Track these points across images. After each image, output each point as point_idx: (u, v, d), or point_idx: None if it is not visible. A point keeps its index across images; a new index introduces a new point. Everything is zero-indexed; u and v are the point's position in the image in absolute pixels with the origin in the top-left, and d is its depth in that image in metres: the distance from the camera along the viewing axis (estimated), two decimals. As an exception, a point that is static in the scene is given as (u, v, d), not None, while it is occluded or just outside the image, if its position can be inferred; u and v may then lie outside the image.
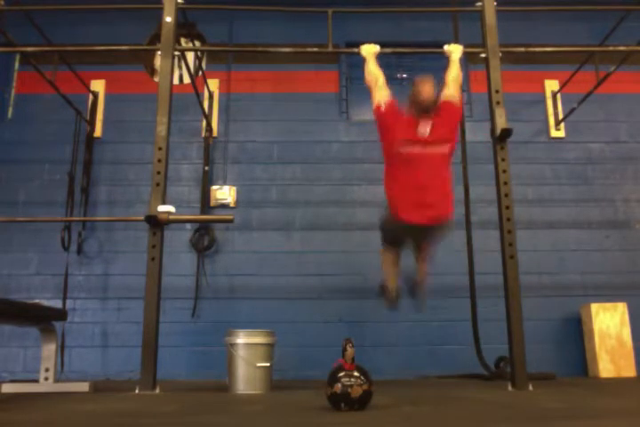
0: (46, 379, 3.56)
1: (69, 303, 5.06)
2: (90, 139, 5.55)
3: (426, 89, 3.31)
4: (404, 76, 6.09)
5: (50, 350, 3.61)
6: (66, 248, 5.16)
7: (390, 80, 5.97)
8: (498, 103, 3.69)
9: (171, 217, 3.46)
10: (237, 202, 5.46)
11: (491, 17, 3.91)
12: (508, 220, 3.50)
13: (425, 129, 3.25)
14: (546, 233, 5.43)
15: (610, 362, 4.75)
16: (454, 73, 3.58)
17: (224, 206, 5.43)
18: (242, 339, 3.54)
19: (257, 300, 5.17)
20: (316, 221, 5.43)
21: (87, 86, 5.52)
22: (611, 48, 4.64)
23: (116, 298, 5.21)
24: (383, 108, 3.37)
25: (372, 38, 5.60)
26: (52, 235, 5.17)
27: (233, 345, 3.54)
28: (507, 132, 3.58)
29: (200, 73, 5.50)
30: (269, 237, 5.37)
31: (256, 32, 5.79)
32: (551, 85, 5.83)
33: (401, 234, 3.53)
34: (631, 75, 5.69)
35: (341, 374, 2.21)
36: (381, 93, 3.41)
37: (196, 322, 5.14)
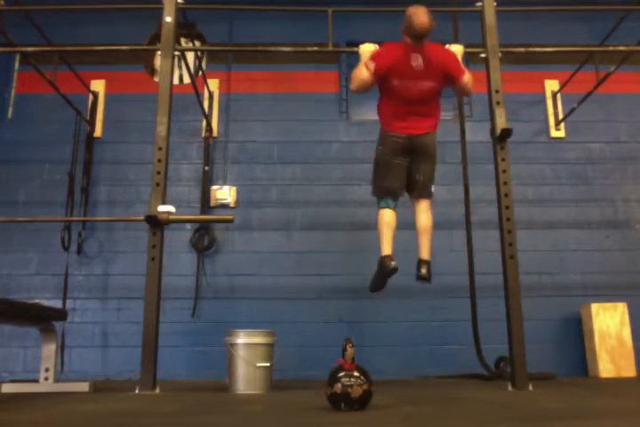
0: (46, 379, 3.56)
1: (69, 303, 5.06)
2: (90, 139, 5.55)
3: (420, 16, 3.40)
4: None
5: (50, 350, 3.61)
6: (66, 248, 5.16)
7: (390, 80, 6.03)
8: (498, 103, 3.69)
9: (171, 217, 3.46)
10: (237, 202, 5.46)
11: (491, 17, 3.91)
12: (508, 220, 3.50)
13: (418, 61, 3.41)
14: (546, 233, 5.43)
15: (610, 362, 4.75)
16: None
17: (224, 206, 5.43)
18: (242, 339, 3.54)
19: (257, 300, 5.17)
20: (316, 221, 5.43)
21: (87, 86, 5.52)
22: (611, 48, 4.64)
23: (116, 298, 5.21)
24: (376, 71, 3.45)
25: (373, 38, 5.63)
26: (52, 235, 5.17)
27: (233, 345, 3.54)
28: (507, 132, 3.58)
29: (200, 73, 5.50)
30: (269, 237, 5.38)
31: (256, 32, 5.79)
32: (551, 85, 5.83)
33: (394, 160, 3.58)
34: (631, 75, 5.69)
35: (341, 374, 2.21)
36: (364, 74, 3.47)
37: (195, 322, 5.14)
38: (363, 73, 3.44)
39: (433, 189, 3.66)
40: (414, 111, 3.54)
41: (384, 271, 3.56)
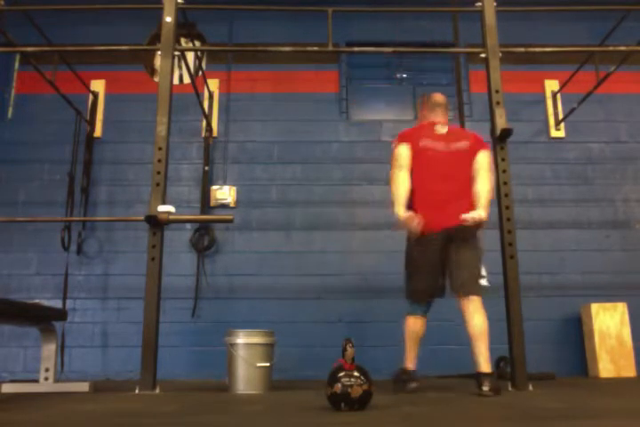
0: (46, 379, 3.56)
1: (69, 303, 5.06)
2: (90, 139, 5.55)
3: (435, 94, 3.54)
4: (404, 76, 6.09)
5: (50, 350, 3.61)
6: (66, 248, 5.16)
7: (390, 80, 6.05)
8: (498, 103, 3.69)
9: (171, 217, 3.46)
10: (237, 202, 5.46)
11: (491, 17, 3.90)
12: (508, 220, 3.50)
13: (443, 129, 3.39)
14: (546, 233, 5.43)
15: (610, 362, 4.75)
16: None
17: (224, 206, 5.43)
18: (242, 339, 3.54)
19: (257, 300, 5.17)
20: (316, 221, 5.43)
21: (87, 86, 5.52)
22: (611, 48, 4.64)
23: (116, 298, 5.21)
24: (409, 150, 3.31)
25: (373, 38, 5.64)
26: (52, 235, 5.17)
27: (233, 345, 3.54)
28: (507, 132, 3.58)
29: (200, 73, 5.50)
30: (269, 237, 5.37)
31: (256, 32, 5.79)
32: (551, 85, 5.83)
33: (429, 258, 3.14)
34: (631, 75, 5.69)
35: (341, 374, 2.21)
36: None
37: (196, 322, 5.14)
38: None
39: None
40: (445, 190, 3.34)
41: (397, 387, 3.15)
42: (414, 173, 3.23)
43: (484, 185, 3.21)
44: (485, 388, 2.86)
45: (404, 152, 3.26)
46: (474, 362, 3.06)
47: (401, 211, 3.12)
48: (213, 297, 5.21)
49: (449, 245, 3.15)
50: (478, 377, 2.95)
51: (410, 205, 3.15)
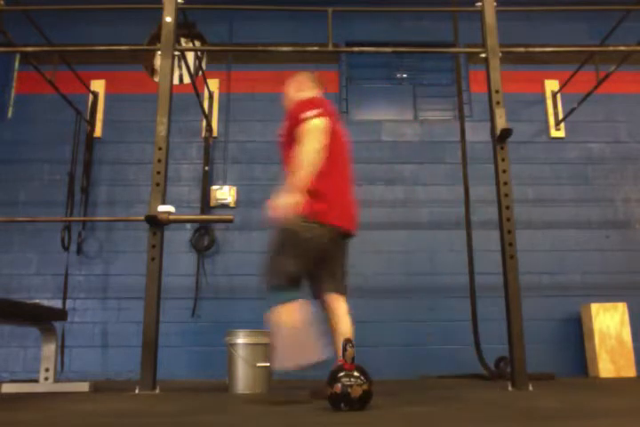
0: (46, 379, 3.56)
1: (69, 303, 5.07)
2: (90, 139, 5.56)
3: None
4: (404, 76, 6.09)
5: (50, 350, 3.61)
6: (66, 248, 5.16)
7: (390, 80, 6.05)
8: (498, 103, 3.69)
9: (171, 217, 3.45)
10: (237, 202, 5.46)
11: (491, 17, 3.90)
12: (508, 220, 3.50)
13: None
14: (546, 233, 5.43)
15: (610, 362, 4.75)
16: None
17: (224, 206, 5.43)
18: (242, 339, 3.54)
19: (257, 300, 5.14)
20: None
21: (87, 86, 5.52)
22: (611, 48, 4.64)
23: (116, 298, 5.21)
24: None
25: (373, 38, 5.65)
26: (52, 235, 5.17)
27: (233, 345, 3.54)
28: (507, 132, 3.58)
29: (200, 73, 5.50)
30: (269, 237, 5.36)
31: (256, 32, 5.79)
32: (551, 85, 5.83)
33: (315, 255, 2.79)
34: (631, 75, 5.69)
35: (341, 374, 2.21)
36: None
37: (196, 322, 5.14)
38: None
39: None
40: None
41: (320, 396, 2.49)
42: (332, 157, 2.80)
43: None
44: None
45: (328, 125, 2.75)
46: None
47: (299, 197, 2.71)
48: (213, 297, 5.21)
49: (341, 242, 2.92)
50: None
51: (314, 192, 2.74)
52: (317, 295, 3.01)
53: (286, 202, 2.76)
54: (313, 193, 2.74)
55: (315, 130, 2.71)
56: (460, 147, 4.94)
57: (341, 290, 2.98)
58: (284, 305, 2.72)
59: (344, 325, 2.88)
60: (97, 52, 5.48)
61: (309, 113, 2.74)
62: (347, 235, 2.96)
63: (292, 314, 2.68)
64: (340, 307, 2.92)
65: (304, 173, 2.72)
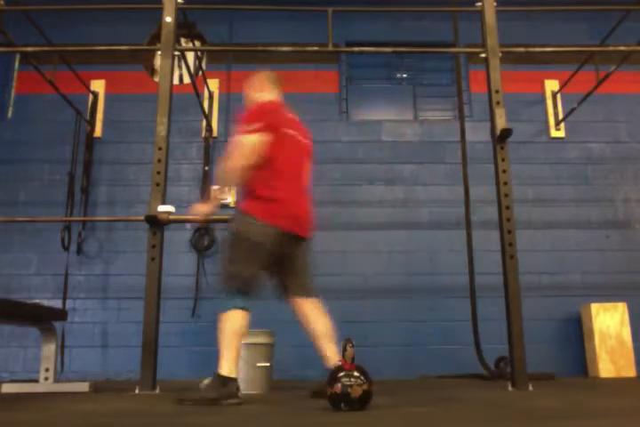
0: (46, 379, 3.56)
1: (69, 303, 5.07)
2: (90, 139, 5.56)
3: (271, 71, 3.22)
4: (404, 76, 6.09)
5: (50, 350, 3.61)
6: (66, 248, 5.16)
7: (390, 80, 6.05)
8: (498, 103, 3.69)
9: (171, 217, 3.45)
10: (237, 202, 5.46)
11: (491, 17, 3.90)
12: (508, 220, 3.50)
13: (290, 114, 3.12)
14: (546, 233, 5.43)
15: (610, 362, 4.75)
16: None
17: (224, 206, 5.42)
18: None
19: (257, 300, 5.15)
20: (315, 221, 5.42)
21: (87, 86, 5.52)
22: (611, 48, 4.64)
23: (116, 298, 5.21)
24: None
25: (373, 38, 5.65)
26: (52, 235, 5.18)
27: (233, 345, 3.53)
28: (507, 132, 3.58)
29: (200, 73, 5.50)
30: (269, 237, 5.37)
31: (256, 32, 5.79)
32: (551, 85, 5.83)
33: (269, 255, 2.77)
34: (631, 75, 5.69)
35: (341, 374, 2.20)
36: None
37: (196, 322, 5.14)
38: None
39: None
40: None
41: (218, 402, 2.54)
42: (275, 159, 2.79)
43: None
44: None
45: (260, 141, 2.74)
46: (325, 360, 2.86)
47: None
48: (213, 297, 5.19)
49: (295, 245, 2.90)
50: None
51: (259, 195, 2.77)
52: (286, 298, 3.05)
53: (200, 210, 2.93)
54: (259, 197, 2.78)
55: (241, 147, 2.73)
56: (460, 147, 4.94)
57: (308, 293, 2.99)
58: (230, 312, 2.69)
59: (319, 325, 2.94)
60: (97, 52, 5.48)
61: (244, 127, 2.77)
62: (299, 237, 2.90)
63: (236, 322, 2.67)
64: (309, 309, 2.97)
65: (221, 184, 2.95)
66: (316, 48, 4.29)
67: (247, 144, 2.73)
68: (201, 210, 2.94)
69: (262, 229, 2.73)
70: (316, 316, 2.97)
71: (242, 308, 2.71)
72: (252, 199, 2.80)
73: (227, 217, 4.14)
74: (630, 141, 5.75)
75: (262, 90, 3.07)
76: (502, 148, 3.64)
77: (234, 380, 2.61)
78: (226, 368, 2.61)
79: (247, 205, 2.82)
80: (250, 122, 2.78)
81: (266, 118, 2.80)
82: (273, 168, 2.80)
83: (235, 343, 2.64)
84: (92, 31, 5.64)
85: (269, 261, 2.81)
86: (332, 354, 2.86)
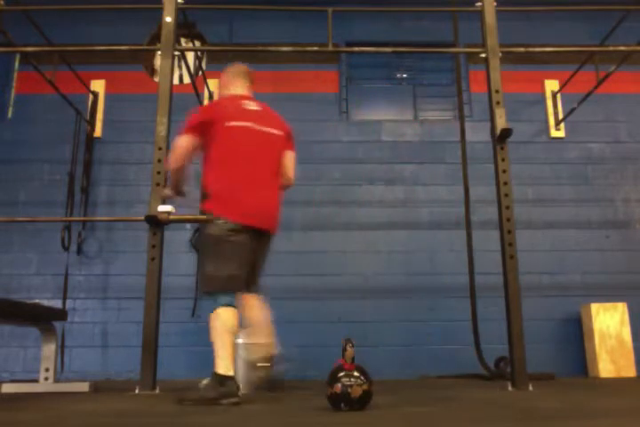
0: (46, 379, 3.56)
1: (69, 303, 5.07)
2: (90, 139, 5.56)
3: (238, 64, 3.27)
4: (404, 76, 6.09)
5: (50, 350, 3.61)
6: (66, 248, 5.16)
7: (390, 80, 6.05)
8: (498, 103, 3.69)
9: (171, 217, 3.45)
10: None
11: (491, 17, 3.90)
12: (508, 220, 3.50)
13: (253, 105, 3.13)
14: (546, 233, 5.43)
15: (610, 362, 4.75)
16: None
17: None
18: (242, 339, 3.54)
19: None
20: (316, 221, 5.43)
21: (87, 86, 5.52)
22: (611, 48, 4.64)
23: (116, 298, 5.21)
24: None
25: (373, 38, 5.65)
26: (52, 235, 5.17)
27: (233, 345, 3.53)
28: (507, 132, 3.58)
29: (200, 73, 5.49)
30: (269, 237, 5.36)
31: (256, 32, 5.79)
32: (551, 85, 5.83)
33: (242, 251, 2.78)
34: (631, 75, 5.69)
35: (341, 374, 2.20)
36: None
37: (196, 322, 5.14)
38: None
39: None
40: None
41: (231, 397, 2.56)
42: (221, 154, 2.88)
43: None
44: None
45: (190, 141, 2.87)
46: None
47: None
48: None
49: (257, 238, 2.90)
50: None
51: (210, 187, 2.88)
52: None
53: (162, 193, 3.15)
54: (213, 194, 2.86)
55: (175, 146, 2.89)
56: (460, 147, 4.94)
57: (254, 288, 3.03)
58: (218, 310, 2.70)
59: (260, 322, 2.97)
60: (97, 52, 5.47)
61: (182, 128, 2.88)
62: (261, 231, 2.89)
63: (226, 320, 2.68)
64: (251, 305, 3.00)
65: (171, 183, 3.12)
66: (315, 48, 4.29)
67: (178, 145, 2.87)
68: (163, 193, 3.14)
69: (225, 226, 2.76)
70: (255, 312, 3.00)
71: (229, 305, 2.70)
72: (209, 197, 2.86)
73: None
74: (630, 141, 5.75)
75: (228, 85, 3.11)
76: (502, 148, 3.65)
77: (231, 378, 2.60)
78: (222, 367, 2.61)
79: (206, 204, 2.88)
80: (187, 122, 2.88)
81: (205, 116, 2.88)
82: (221, 164, 2.86)
83: (227, 341, 2.64)
84: (92, 31, 5.64)
85: (243, 256, 2.80)
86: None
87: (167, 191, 3.14)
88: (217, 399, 2.55)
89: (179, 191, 3.11)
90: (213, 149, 2.86)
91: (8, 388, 3.52)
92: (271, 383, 2.68)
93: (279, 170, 3.03)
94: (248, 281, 2.91)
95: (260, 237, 2.89)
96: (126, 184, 5.47)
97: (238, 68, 3.17)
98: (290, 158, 3.14)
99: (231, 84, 3.10)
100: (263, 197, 2.88)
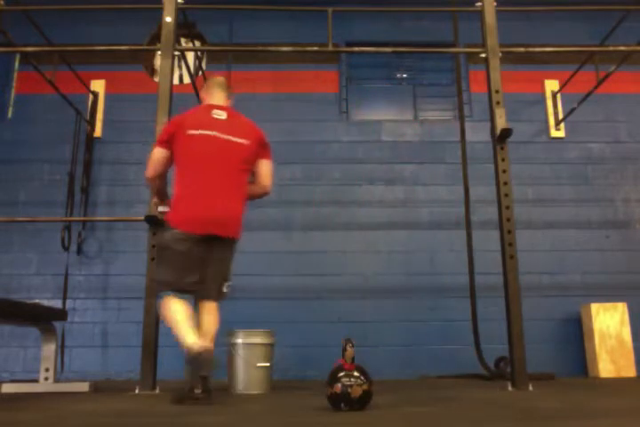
0: (46, 379, 3.56)
1: (69, 303, 5.07)
2: (90, 139, 5.56)
3: (216, 76, 3.40)
4: (404, 76, 6.09)
5: (50, 350, 3.61)
6: (66, 248, 5.16)
7: (390, 80, 6.05)
8: (498, 103, 3.69)
9: (170, 217, 3.45)
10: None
11: (491, 17, 3.90)
12: (508, 220, 3.50)
13: (221, 114, 3.17)
14: (546, 233, 5.43)
15: (610, 362, 4.75)
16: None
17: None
18: (242, 339, 3.54)
19: (257, 300, 5.16)
20: (316, 221, 5.43)
21: (87, 86, 5.52)
22: (611, 48, 4.64)
23: (116, 298, 5.21)
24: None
25: (372, 38, 5.65)
26: (52, 235, 5.17)
27: (233, 345, 3.54)
28: (507, 132, 3.58)
29: (200, 73, 5.49)
30: (269, 237, 5.37)
31: (256, 32, 5.79)
32: (551, 85, 5.83)
33: (183, 258, 2.84)
34: (631, 75, 5.69)
35: (341, 374, 2.20)
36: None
37: (196, 322, 5.13)
38: None
39: None
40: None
41: (203, 368, 2.63)
42: (181, 162, 2.93)
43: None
44: (198, 391, 2.66)
45: (159, 153, 2.94)
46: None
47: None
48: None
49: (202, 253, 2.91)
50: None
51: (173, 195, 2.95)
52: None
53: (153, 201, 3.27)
54: (173, 203, 2.95)
55: (149, 159, 2.98)
56: (460, 147, 4.94)
57: (206, 295, 3.00)
58: (164, 300, 2.84)
59: (204, 328, 2.94)
60: (97, 52, 5.47)
61: (157, 138, 3.06)
62: (216, 237, 2.88)
63: (172, 305, 2.81)
64: (202, 311, 2.99)
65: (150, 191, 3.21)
66: (315, 48, 4.29)
67: (151, 158, 2.97)
68: (153, 200, 3.25)
69: (175, 235, 2.84)
70: (203, 317, 2.99)
71: (173, 296, 2.83)
72: (172, 206, 2.97)
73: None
74: (630, 141, 5.75)
75: (205, 97, 3.20)
76: (502, 148, 3.65)
77: (201, 347, 2.62)
78: (188, 341, 2.65)
79: (168, 213, 2.99)
80: (158, 136, 3.06)
81: (171, 129, 2.98)
82: (180, 172, 2.94)
83: (180, 320, 2.75)
84: (92, 31, 5.64)
85: (184, 263, 2.85)
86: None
87: (154, 199, 3.25)
88: (207, 377, 2.59)
89: (162, 199, 3.20)
90: (177, 158, 2.95)
91: (8, 388, 3.52)
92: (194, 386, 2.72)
93: (243, 178, 3.04)
94: (201, 286, 2.95)
95: (210, 242, 2.89)
96: (126, 184, 5.47)
97: (215, 79, 3.28)
98: (264, 167, 3.16)
99: (207, 95, 3.18)
100: (213, 205, 2.88)
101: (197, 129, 2.94)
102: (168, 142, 2.94)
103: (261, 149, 3.15)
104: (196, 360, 2.60)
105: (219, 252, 2.96)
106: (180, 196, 2.90)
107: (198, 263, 2.89)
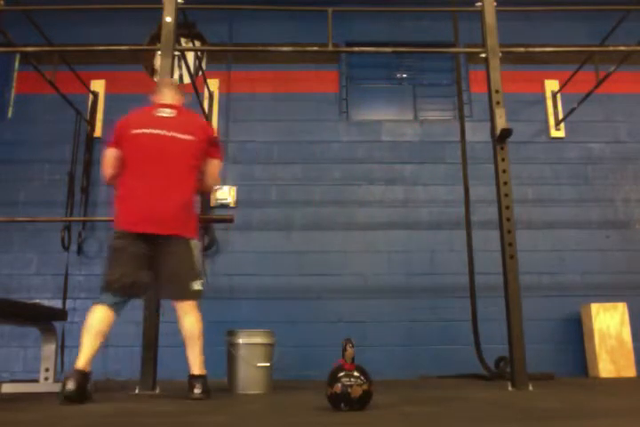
0: (46, 379, 3.56)
1: (69, 303, 5.06)
2: (90, 139, 5.56)
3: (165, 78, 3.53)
4: (404, 76, 6.10)
5: (50, 350, 3.61)
6: (66, 248, 5.16)
7: (390, 80, 6.05)
8: (498, 103, 3.69)
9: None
10: (237, 202, 5.46)
11: (491, 17, 3.90)
12: (508, 220, 3.50)
13: (167, 113, 3.18)
14: (546, 233, 5.43)
15: (610, 362, 4.75)
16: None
17: (224, 206, 5.43)
18: (242, 339, 3.54)
19: (257, 300, 5.17)
20: (316, 221, 5.43)
21: (87, 86, 5.52)
22: (611, 48, 4.64)
23: (116, 298, 5.20)
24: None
25: (372, 38, 5.65)
26: (52, 235, 5.17)
27: (233, 345, 3.53)
28: (507, 132, 3.58)
29: (200, 73, 5.49)
30: (269, 237, 5.37)
31: (256, 32, 5.79)
32: (551, 85, 5.83)
33: (123, 257, 2.83)
34: (631, 75, 5.69)
35: (341, 374, 2.20)
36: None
37: (196, 322, 5.13)
38: None
39: None
40: None
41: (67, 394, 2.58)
42: (126, 163, 2.95)
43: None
44: (197, 391, 2.78)
45: (111, 155, 2.99)
46: (188, 364, 2.91)
47: None
48: (213, 297, 5.19)
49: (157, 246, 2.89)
50: (190, 380, 2.85)
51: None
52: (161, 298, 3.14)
53: None
54: (116, 202, 2.96)
55: (102, 159, 3.05)
56: (460, 147, 4.94)
57: (177, 295, 2.98)
58: (95, 306, 2.86)
59: (183, 330, 2.97)
60: (97, 52, 5.47)
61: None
62: (160, 236, 2.86)
63: (94, 315, 2.84)
64: (179, 313, 3.00)
65: None
66: (315, 48, 4.29)
67: (103, 158, 3.03)
68: None
69: (116, 234, 2.88)
70: (182, 320, 2.98)
71: (108, 305, 2.88)
72: (115, 206, 2.97)
73: (226, 217, 4.17)
74: (630, 141, 5.75)
75: (154, 98, 3.24)
76: (502, 148, 3.65)
77: (79, 371, 2.64)
78: (78, 360, 2.69)
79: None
80: (109, 138, 3.09)
81: (117, 130, 3.06)
82: (124, 173, 2.96)
83: (86, 338, 2.75)
84: (92, 31, 5.64)
85: (126, 262, 2.85)
86: (192, 361, 2.91)
87: None
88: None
89: None
90: (124, 158, 2.98)
91: (8, 388, 3.52)
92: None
93: (190, 175, 2.98)
94: (159, 287, 2.99)
95: (154, 242, 2.87)
96: (126, 184, 5.46)
97: (163, 80, 3.38)
98: (211, 166, 3.12)
99: (157, 95, 3.22)
100: (152, 203, 2.86)
101: (141, 128, 2.98)
102: (117, 143, 2.99)
103: (210, 146, 3.10)
104: (70, 376, 2.61)
105: (169, 251, 2.90)
106: (122, 196, 2.92)
107: (143, 263, 2.87)
